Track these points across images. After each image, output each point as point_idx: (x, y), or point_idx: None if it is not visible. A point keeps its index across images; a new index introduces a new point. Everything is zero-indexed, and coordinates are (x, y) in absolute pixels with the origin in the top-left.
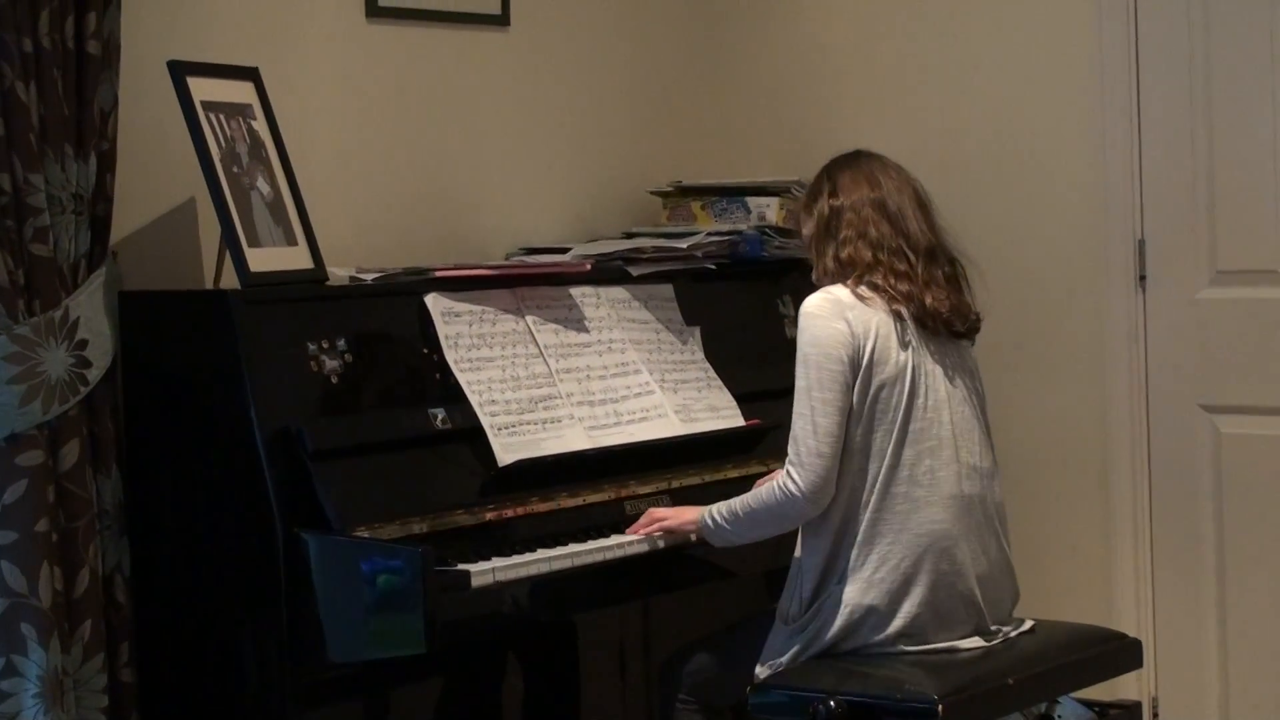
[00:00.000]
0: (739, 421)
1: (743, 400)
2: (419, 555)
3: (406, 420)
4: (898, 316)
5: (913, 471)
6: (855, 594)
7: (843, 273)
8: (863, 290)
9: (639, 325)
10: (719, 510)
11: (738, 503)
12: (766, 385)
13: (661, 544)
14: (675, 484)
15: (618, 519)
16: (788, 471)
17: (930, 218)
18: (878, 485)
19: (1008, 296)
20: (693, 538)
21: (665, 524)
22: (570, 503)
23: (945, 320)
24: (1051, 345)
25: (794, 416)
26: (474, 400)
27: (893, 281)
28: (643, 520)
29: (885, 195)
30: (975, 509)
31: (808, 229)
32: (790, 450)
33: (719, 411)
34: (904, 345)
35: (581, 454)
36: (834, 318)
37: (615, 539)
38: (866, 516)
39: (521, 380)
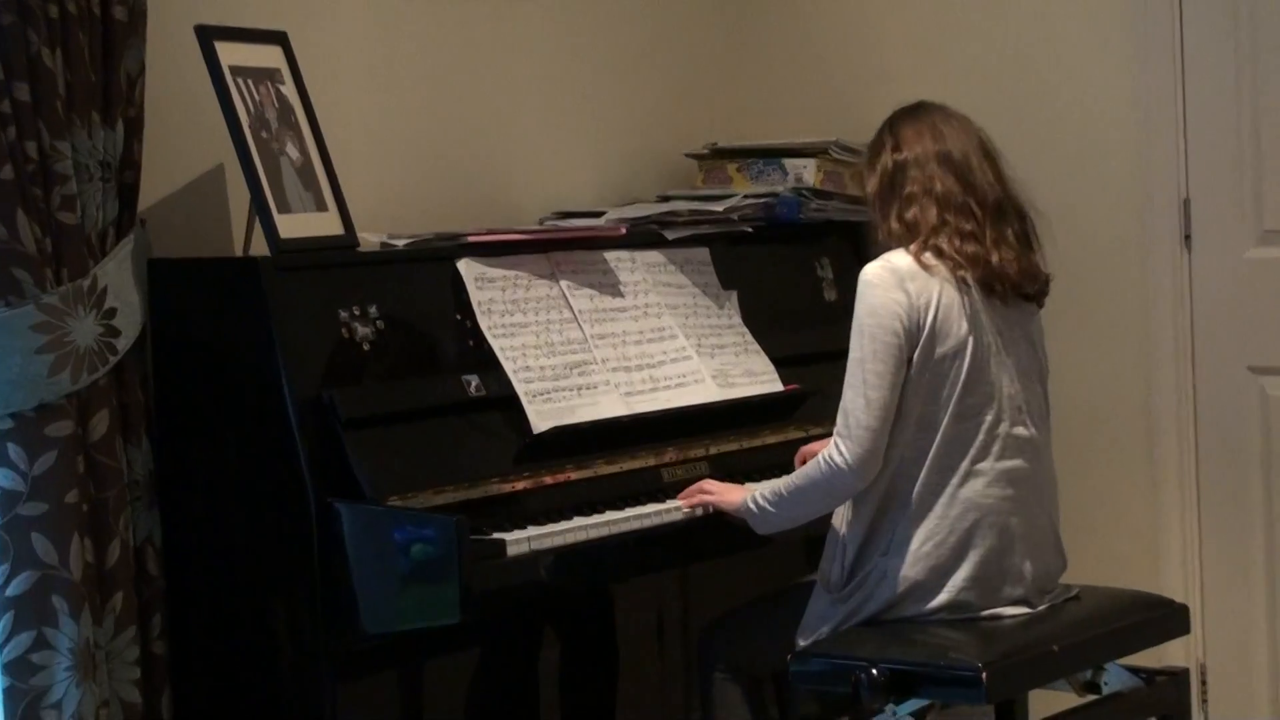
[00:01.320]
0: (777, 386)
1: (781, 365)
2: (453, 524)
3: (439, 388)
4: (962, 284)
5: (966, 444)
6: (902, 568)
7: (909, 235)
8: (927, 258)
9: (675, 289)
10: (763, 493)
11: (781, 483)
12: (805, 349)
13: (700, 512)
14: (713, 450)
15: (655, 486)
16: (835, 444)
17: (998, 168)
18: (930, 458)
19: (1049, 258)
20: (735, 519)
21: (709, 499)
22: (606, 470)
23: (1013, 283)
24: (1095, 308)
25: (845, 387)
26: (508, 367)
27: (958, 244)
28: (692, 488)
29: (950, 147)
30: (1028, 482)
31: (870, 186)
32: (839, 422)
33: (757, 376)
34: (967, 316)
35: (617, 421)
36: (893, 288)
37: (653, 507)
38: (917, 489)
39: (556, 346)
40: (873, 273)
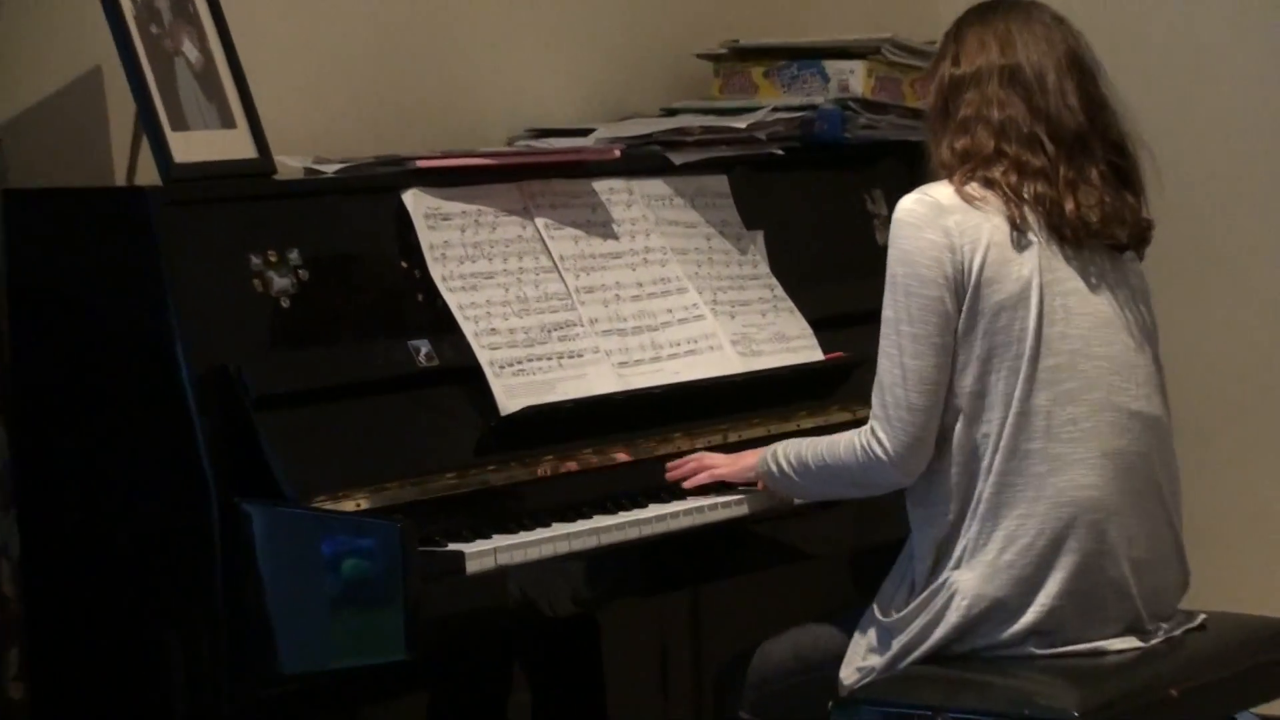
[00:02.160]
0: (816, 355)
1: (821, 327)
2: (397, 532)
3: (380, 356)
4: (1020, 219)
5: (1049, 421)
6: (976, 582)
7: (962, 168)
8: (972, 188)
9: (684, 230)
10: (787, 453)
11: (809, 448)
12: (851, 306)
13: (715, 515)
14: (732, 437)
15: (656, 484)
16: (871, 428)
17: (1089, 89)
18: (1003, 441)
19: (1169, 205)
20: (758, 485)
21: (718, 472)
22: (595, 463)
23: (1095, 231)
24: (1224, 266)
25: (879, 356)
26: (468, 329)
27: (1014, 180)
28: (688, 466)
29: (1020, 60)
30: (1137, 470)
31: (928, 103)
32: (874, 400)
33: (789, 342)
34: (1028, 255)
35: (610, 399)
36: (929, 226)
37: (655, 510)
38: (989, 482)
39: (530, 303)
40: (905, 209)
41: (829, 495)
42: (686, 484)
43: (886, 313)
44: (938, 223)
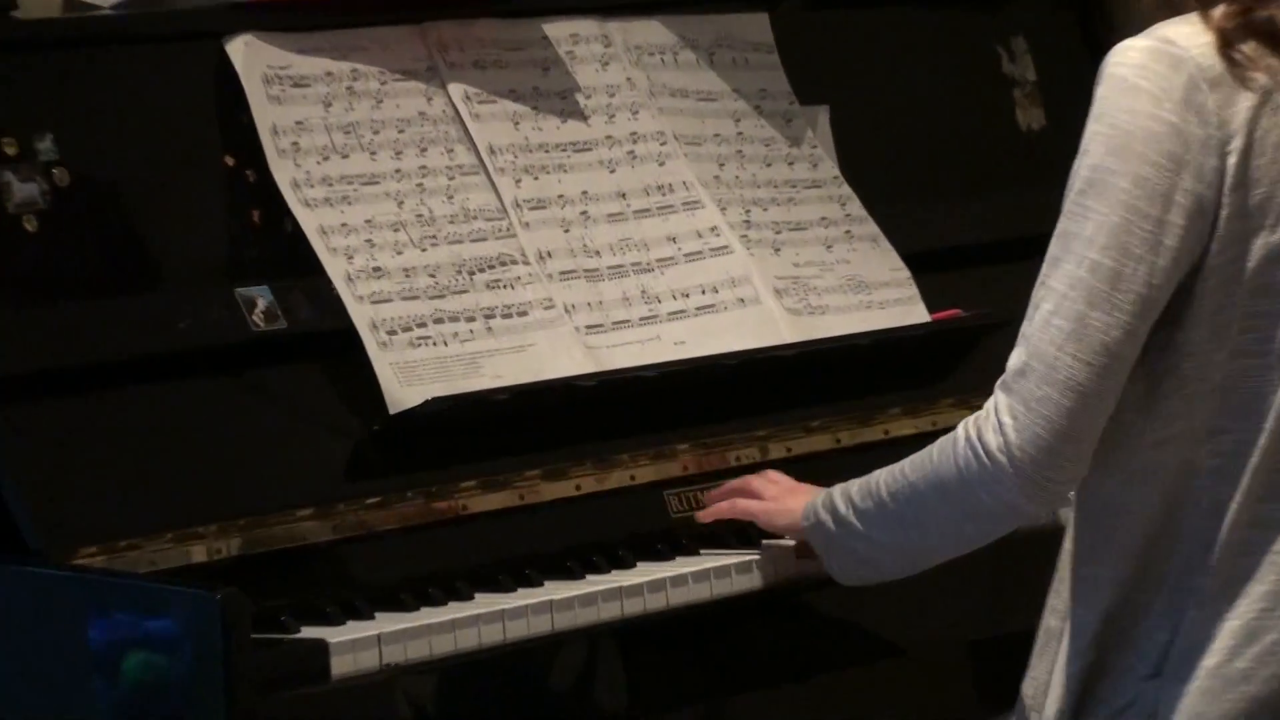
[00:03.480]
0: (919, 314)
1: (924, 267)
2: (215, 606)
3: (188, 314)
4: None
5: None
6: (1198, 701)
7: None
8: (1247, 48)
9: (697, 105)
10: (844, 494)
11: (882, 477)
12: (976, 235)
13: (745, 582)
14: (776, 451)
15: (650, 527)
16: (992, 411)
17: None
18: (1255, 472)
19: None
20: (793, 543)
21: (748, 508)
22: (545, 493)
23: None
24: None
25: (1035, 296)
26: (335, 270)
27: None
28: (727, 489)
29: None
30: None
31: None
32: (1010, 367)
33: (871, 292)
34: None
35: (570, 387)
36: (1169, 99)
37: (645, 572)
38: (1223, 537)
39: (439, 225)
40: (1131, 64)
41: (897, 545)
42: (703, 514)
43: (1068, 225)
44: (1187, 97)
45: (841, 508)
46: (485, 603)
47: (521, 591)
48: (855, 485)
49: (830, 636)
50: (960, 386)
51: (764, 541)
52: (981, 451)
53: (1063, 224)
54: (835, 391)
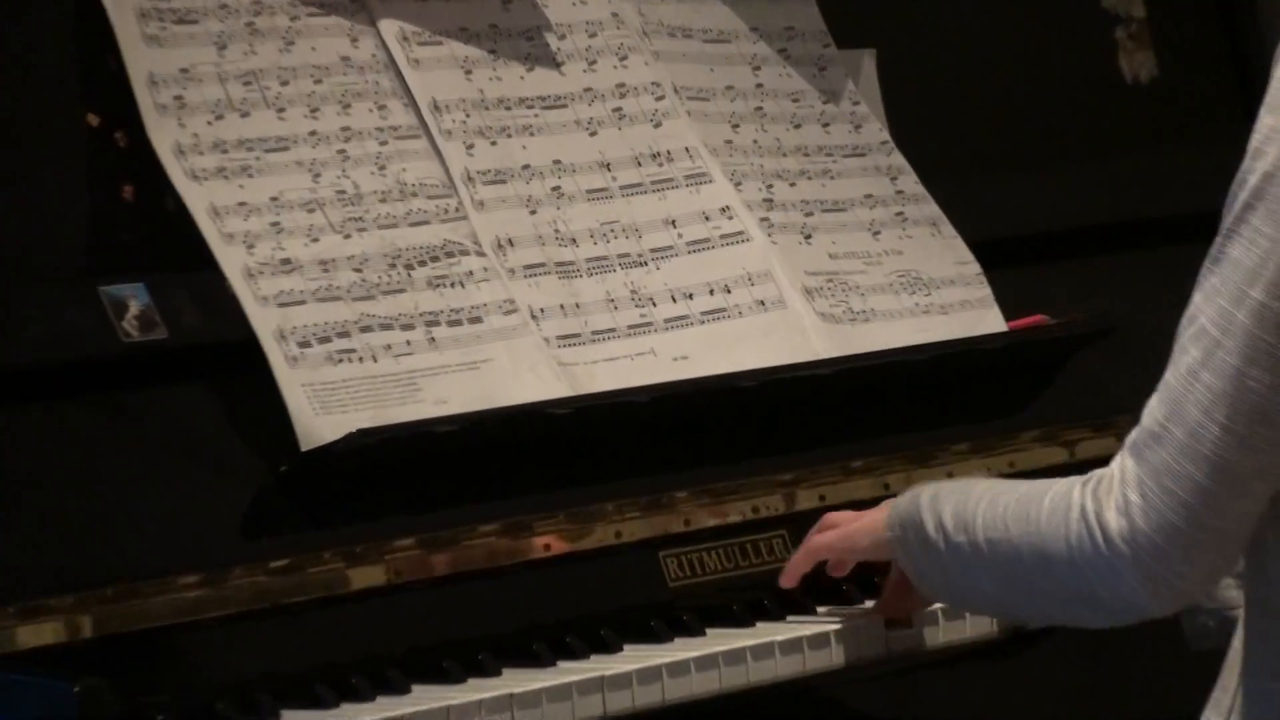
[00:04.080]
0: (993, 323)
1: (1000, 258)
2: (71, 701)
3: (38, 318)
4: None
5: None
6: None
7: None
8: None
9: (702, 43)
10: (933, 506)
11: (982, 506)
12: (1070, 215)
13: (811, 663)
14: (807, 499)
15: (643, 598)
16: (1119, 478)
17: None
18: None
19: None
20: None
21: (821, 542)
22: (510, 554)
23: None
24: None
25: (1184, 331)
26: (231, 264)
27: None
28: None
29: None
30: None
31: None
32: (1148, 416)
33: (931, 293)
34: None
35: (540, 416)
36: None
37: (631, 657)
38: None
39: (368, 205)
40: None
41: (1007, 606)
42: (784, 578)
43: (1226, 249)
44: None
45: (930, 528)
46: (426, 697)
47: (473, 682)
48: (948, 502)
49: None
50: (1046, 416)
51: (821, 609)
52: (1099, 534)
53: (1221, 246)
54: (883, 423)
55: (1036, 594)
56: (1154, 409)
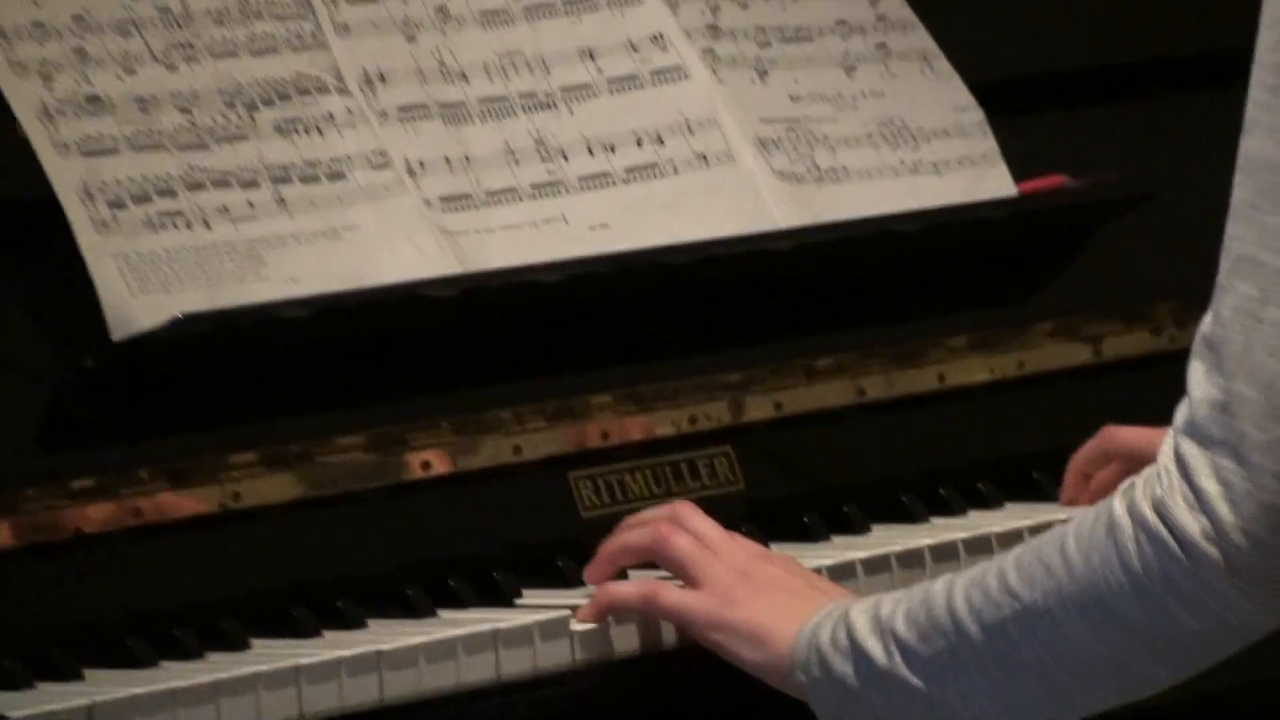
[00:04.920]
0: (1000, 185)
1: (1008, 102)
2: None
3: None
4: None
5: None
6: None
7: None
8: None
9: None
10: (881, 619)
11: (958, 589)
12: (1096, 48)
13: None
14: (760, 408)
15: (547, 532)
16: (1179, 469)
17: None
18: None
19: None
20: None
21: (679, 605)
22: (377, 475)
23: None
24: None
25: (1219, 289)
26: (21, 99)
27: None
28: (605, 559)
29: None
30: None
31: None
32: (1199, 385)
33: (919, 148)
34: None
35: (417, 298)
36: None
37: (531, 607)
38: None
39: (199, 26)
40: None
41: (1030, 709)
42: (589, 574)
43: (1255, 148)
44: None
45: (876, 652)
46: (270, 654)
47: (330, 636)
48: (895, 607)
49: None
50: (1065, 304)
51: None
52: (1172, 542)
53: (1255, 143)
54: (857, 311)
55: (1082, 669)
56: (1204, 374)
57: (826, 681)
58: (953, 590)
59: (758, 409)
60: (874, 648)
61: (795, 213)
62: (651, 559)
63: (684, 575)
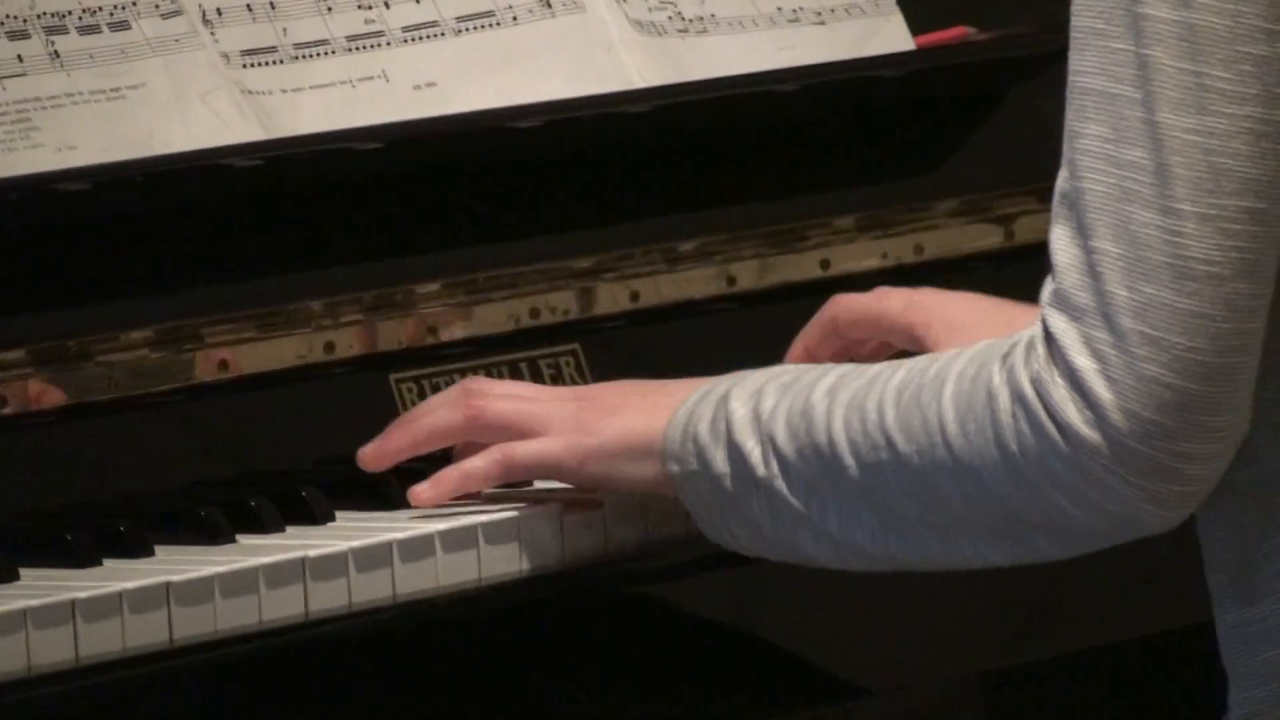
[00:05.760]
0: (895, 38)
1: None
2: None
3: None
4: None
5: None
6: None
7: None
8: None
9: None
10: (762, 418)
11: (851, 408)
12: None
13: (534, 559)
14: (612, 297)
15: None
16: (1048, 343)
17: None
18: None
19: None
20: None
21: (516, 459)
22: (163, 375)
23: None
24: None
25: (1081, 147)
26: None
27: None
28: (401, 450)
29: None
30: None
31: None
32: (1062, 240)
33: None
34: None
35: (214, 169)
36: None
37: (341, 530)
38: None
39: None
40: None
41: (897, 554)
42: (421, 494)
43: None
44: None
45: (755, 456)
46: (39, 587)
47: (111, 565)
48: (776, 404)
49: (736, 658)
50: (971, 178)
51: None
52: (1050, 425)
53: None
54: (728, 186)
55: (959, 529)
56: (1067, 237)
57: (705, 477)
58: (833, 406)
59: (610, 299)
60: (753, 451)
61: (655, 70)
62: (468, 437)
63: (521, 434)
